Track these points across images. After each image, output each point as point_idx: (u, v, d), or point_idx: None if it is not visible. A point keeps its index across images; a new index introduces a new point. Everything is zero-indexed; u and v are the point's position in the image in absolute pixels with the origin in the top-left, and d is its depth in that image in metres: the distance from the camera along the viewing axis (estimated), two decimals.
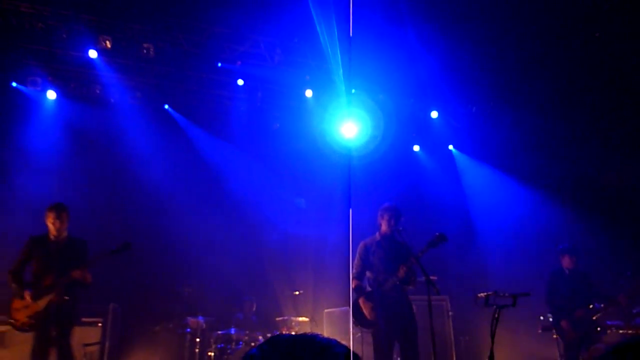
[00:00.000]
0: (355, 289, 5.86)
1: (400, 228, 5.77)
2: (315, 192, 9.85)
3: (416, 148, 11.16)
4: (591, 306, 6.65)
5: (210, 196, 9.58)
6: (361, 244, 5.99)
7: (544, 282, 6.94)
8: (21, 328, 5.42)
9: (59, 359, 5.42)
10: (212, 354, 7.55)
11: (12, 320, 5.42)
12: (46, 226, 5.63)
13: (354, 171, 9.47)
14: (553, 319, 6.73)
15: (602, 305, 6.60)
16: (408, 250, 5.65)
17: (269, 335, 7.61)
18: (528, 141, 9.81)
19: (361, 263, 5.91)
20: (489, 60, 8.93)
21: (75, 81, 9.06)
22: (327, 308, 8.57)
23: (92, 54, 8.27)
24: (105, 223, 8.55)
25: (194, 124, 9.90)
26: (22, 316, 5.37)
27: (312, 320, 8.29)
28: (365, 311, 5.63)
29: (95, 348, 7.23)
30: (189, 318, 7.95)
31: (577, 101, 9.13)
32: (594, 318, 6.58)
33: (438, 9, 7.97)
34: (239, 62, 9.16)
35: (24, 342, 5.68)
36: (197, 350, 7.70)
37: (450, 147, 11.20)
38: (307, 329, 8.15)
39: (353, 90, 9.95)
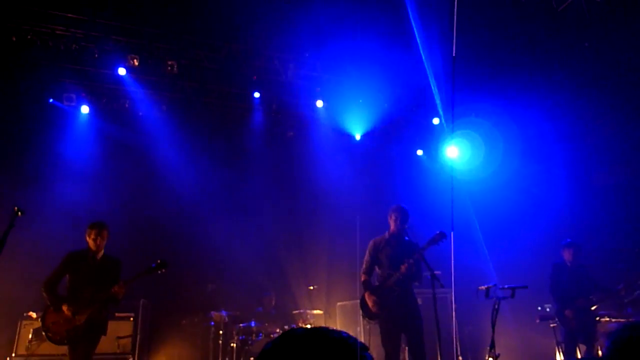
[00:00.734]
0: (363, 283, 5.87)
1: (407, 228, 5.77)
2: (326, 194, 9.86)
3: (419, 152, 11.14)
4: (591, 297, 6.63)
5: (231, 201, 9.63)
6: (371, 242, 6.00)
7: (547, 274, 6.94)
8: (59, 342, 5.12)
9: None
10: (234, 345, 7.57)
11: (50, 334, 5.12)
12: (86, 241, 5.41)
13: (360, 173, 9.50)
14: (557, 308, 6.72)
15: (603, 295, 6.58)
16: (414, 248, 5.65)
17: (286, 327, 7.69)
18: (525, 141, 9.74)
19: (370, 259, 5.91)
20: (486, 65, 8.88)
21: (107, 97, 9.18)
22: (340, 301, 8.58)
23: (122, 71, 8.39)
24: (135, 228, 8.62)
25: (214, 133, 9.97)
26: (61, 330, 5.09)
27: (325, 312, 8.30)
28: (369, 303, 5.64)
29: (127, 340, 7.27)
30: (213, 312, 7.96)
31: (576, 104, 9.07)
32: (593, 308, 6.56)
33: (434, 13, 7.96)
34: (255, 77, 9.23)
35: None
36: (220, 341, 7.74)
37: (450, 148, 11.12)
38: (322, 321, 8.17)
39: (360, 100, 9.99)
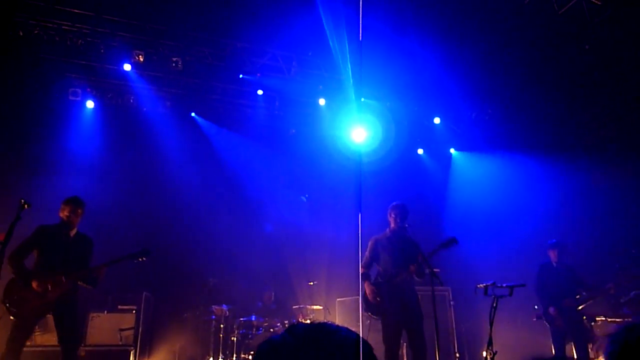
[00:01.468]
0: (362, 275, 5.90)
1: (407, 225, 5.78)
2: (327, 193, 9.88)
3: (420, 151, 11.15)
4: (578, 297, 6.64)
5: (233, 196, 9.65)
6: (372, 239, 6.02)
7: (534, 274, 6.94)
8: (20, 316, 4.83)
9: (66, 350, 5.04)
10: (235, 339, 7.59)
11: (14, 309, 4.83)
12: (59, 217, 5.22)
13: (363, 173, 9.48)
14: (542, 307, 6.74)
15: (590, 294, 6.58)
16: (415, 245, 5.66)
17: (286, 322, 7.71)
18: (523, 144, 9.76)
19: (370, 255, 5.94)
20: (491, 69, 8.90)
21: (112, 92, 9.19)
22: (339, 297, 8.59)
23: (127, 67, 8.40)
24: (137, 222, 8.65)
25: (217, 129, 9.98)
26: (28, 306, 4.83)
27: (325, 308, 8.32)
28: (367, 292, 5.65)
29: (130, 332, 7.30)
30: (214, 306, 7.98)
31: (574, 107, 9.08)
32: (580, 308, 6.56)
33: (441, 19, 7.97)
34: (259, 74, 9.25)
35: None
36: (221, 335, 7.75)
37: (452, 150, 11.18)
38: (321, 317, 8.19)
39: (362, 99, 9.99)
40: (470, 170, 10.60)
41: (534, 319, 6.88)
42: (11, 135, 8.30)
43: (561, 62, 8.40)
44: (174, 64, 8.54)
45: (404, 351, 6.89)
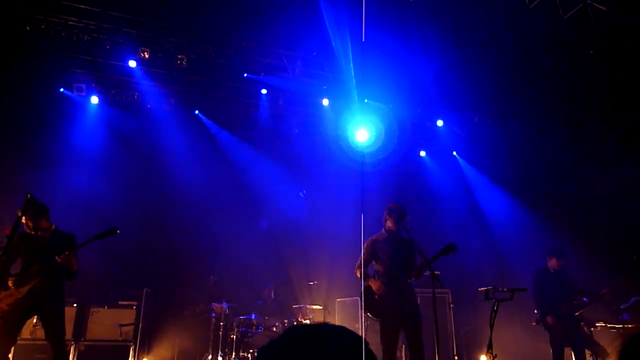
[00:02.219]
0: (361, 276, 5.86)
1: (408, 227, 5.77)
2: (330, 193, 9.89)
3: (422, 154, 11.16)
4: (575, 302, 6.63)
5: (235, 194, 9.65)
6: (370, 239, 5.98)
7: (531, 280, 6.91)
8: (3, 316, 4.86)
9: (53, 346, 5.07)
10: (234, 336, 7.59)
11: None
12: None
13: (365, 173, 9.49)
14: (539, 313, 6.73)
15: (586, 301, 6.57)
16: (413, 246, 5.67)
17: (285, 321, 7.72)
18: (525, 148, 9.77)
19: (367, 256, 5.91)
20: (495, 72, 8.91)
21: (116, 88, 9.21)
22: (339, 297, 8.61)
23: (132, 63, 8.41)
24: (139, 218, 8.66)
25: (221, 127, 10.00)
26: (3, 304, 4.86)
27: (325, 308, 8.32)
28: (375, 287, 5.63)
29: (130, 328, 7.32)
30: (214, 304, 7.97)
31: (577, 111, 9.10)
32: (577, 314, 6.56)
33: (445, 23, 7.98)
34: (263, 73, 9.25)
35: None
36: (220, 333, 7.75)
37: (454, 153, 11.19)
38: (321, 317, 8.19)
39: (366, 100, 10.00)
40: (473, 174, 10.62)
41: (533, 324, 6.87)
42: (16, 130, 8.33)
43: (566, 66, 8.40)
44: (179, 62, 8.56)
45: (403, 353, 6.90)
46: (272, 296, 8.82)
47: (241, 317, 7.72)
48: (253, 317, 7.67)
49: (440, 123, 10.48)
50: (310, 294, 8.83)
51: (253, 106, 9.98)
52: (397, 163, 10.00)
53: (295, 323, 7.79)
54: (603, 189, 8.71)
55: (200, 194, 9.21)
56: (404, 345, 6.64)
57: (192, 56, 8.64)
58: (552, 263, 6.83)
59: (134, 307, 7.51)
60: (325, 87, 9.72)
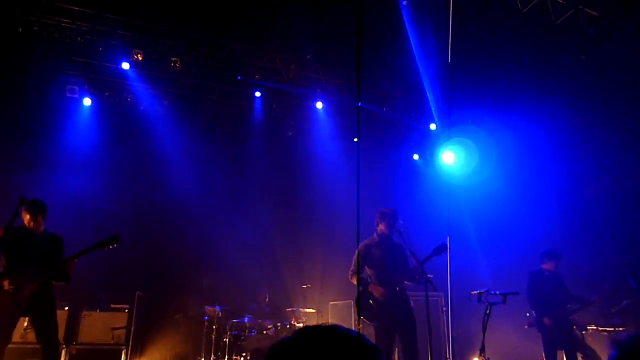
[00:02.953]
0: (358, 282, 5.85)
1: (401, 230, 5.79)
2: (323, 196, 9.89)
3: (415, 157, 11.18)
4: (568, 306, 6.65)
5: (229, 197, 9.64)
6: (361, 245, 5.93)
7: (525, 282, 6.92)
8: None
9: (46, 348, 5.07)
10: (227, 340, 7.56)
11: None
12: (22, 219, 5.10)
13: (360, 177, 9.48)
14: (536, 316, 6.74)
15: (577, 305, 6.60)
16: (404, 250, 5.69)
17: (279, 324, 7.71)
18: (517, 151, 9.82)
19: (361, 262, 5.89)
20: (485, 77, 8.96)
21: (109, 90, 9.17)
22: (332, 301, 8.60)
23: (125, 65, 8.38)
24: (132, 221, 8.61)
25: (214, 130, 9.98)
26: (1, 304, 4.82)
27: (318, 311, 8.32)
28: (376, 294, 5.62)
29: (122, 331, 7.27)
30: (206, 307, 7.94)
31: (570, 114, 9.16)
32: (571, 317, 6.59)
33: (437, 25, 8.02)
34: (257, 76, 9.26)
35: None
36: (213, 336, 7.72)
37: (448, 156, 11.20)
38: (314, 320, 8.19)
39: (359, 104, 10.03)
40: (466, 177, 10.64)
41: (526, 326, 6.90)
42: (8, 131, 8.27)
43: (557, 72, 8.47)
44: (172, 64, 8.53)
45: (396, 356, 6.90)
46: (266, 299, 8.80)
47: (234, 320, 7.70)
48: (246, 320, 7.65)
49: (433, 127, 10.51)
50: (304, 298, 8.83)
51: (247, 109, 9.97)
52: (390, 166, 10.03)
53: (288, 326, 7.78)
54: (597, 191, 8.77)
55: (194, 196, 9.18)
56: (396, 349, 6.63)
57: (185, 59, 8.62)
58: (547, 266, 6.83)
59: (126, 311, 7.46)
60: (319, 91, 9.74)
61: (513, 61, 8.54)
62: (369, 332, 5.77)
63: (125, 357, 7.20)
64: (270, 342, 7.49)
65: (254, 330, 7.63)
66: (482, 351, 4.63)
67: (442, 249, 5.42)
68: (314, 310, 8.28)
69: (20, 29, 7.74)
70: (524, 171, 9.39)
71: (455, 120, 9.91)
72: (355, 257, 5.89)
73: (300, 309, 8.24)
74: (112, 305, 7.52)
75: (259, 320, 7.82)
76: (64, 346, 6.84)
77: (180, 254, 8.81)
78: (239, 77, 9.20)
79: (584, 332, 6.67)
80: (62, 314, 6.84)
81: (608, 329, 6.62)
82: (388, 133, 10.63)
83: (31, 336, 6.44)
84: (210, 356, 7.65)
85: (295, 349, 1.18)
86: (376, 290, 5.64)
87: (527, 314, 7.05)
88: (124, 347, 7.19)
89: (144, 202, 9.03)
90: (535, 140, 9.40)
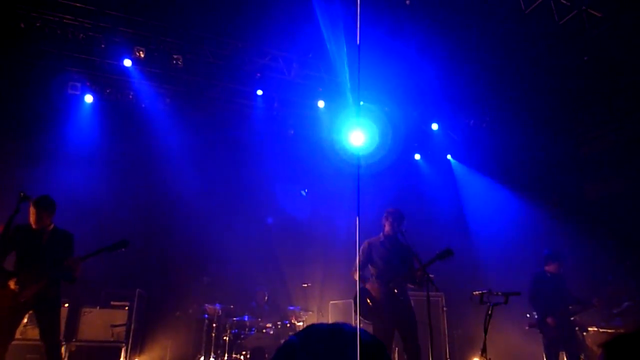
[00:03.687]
0: (359, 279, 5.88)
1: (403, 230, 5.79)
2: (325, 194, 9.89)
3: (417, 157, 11.18)
4: (570, 307, 6.64)
5: (229, 195, 9.63)
6: (365, 242, 6.01)
7: (528, 283, 6.90)
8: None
9: (49, 346, 5.04)
10: (227, 338, 7.56)
11: None
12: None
13: (361, 176, 9.47)
14: (538, 317, 6.72)
15: (577, 308, 6.59)
16: (409, 251, 5.68)
17: (279, 323, 7.70)
18: (520, 153, 9.81)
19: (363, 259, 5.92)
20: (490, 77, 8.96)
21: (111, 87, 9.15)
22: (333, 300, 8.60)
23: (127, 63, 8.37)
24: (133, 218, 8.61)
25: (216, 128, 9.97)
26: (4, 304, 4.78)
27: (318, 310, 8.32)
28: (374, 292, 5.63)
29: (122, 329, 7.26)
30: (206, 305, 7.94)
31: (572, 117, 9.15)
32: (572, 319, 6.58)
33: (440, 27, 8.01)
34: (259, 74, 9.25)
35: None
36: (213, 334, 7.72)
37: (449, 156, 11.22)
38: (314, 319, 8.19)
39: (361, 102, 10.01)
40: (468, 178, 10.65)
41: (527, 327, 6.89)
42: (10, 127, 8.27)
43: (560, 72, 8.45)
44: (174, 62, 8.53)
45: (397, 356, 6.90)
46: (266, 298, 8.80)
47: (234, 318, 7.69)
48: (246, 319, 7.65)
49: (435, 126, 10.51)
50: (304, 297, 8.82)
51: (248, 107, 9.96)
52: (392, 166, 10.02)
53: (288, 325, 7.78)
54: (598, 193, 8.76)
55: (195, 194, 9.17)
56: (397, 348, 6.63)
57: (188, 56, 8.61)
58: (550, 267, 6.81)
59: (126, 308, 7.45)
60: (321, 89, 9.72)
61: (516, 61, 8.52)
62: (368, 331, 5.75)
63: (125, 354, 7.19)
64: (270, 341, 7.49)
65: (254, 329, 7.63)
66: (483, 351, 4.61)
67: (446, 253, 5.40)
68: (314, 310, 8.27)
69: (22, 25, 7.73)
70: (525, 172, 9.39)
71: (454, 123, 9.95)
72: (359, 253, 5.92)
73: (301, 308, 8.23)
74: (112, 303, 7.52)
75: (259, 319, 7.82)
76: (64, 343, 6.83)
77: (180, 251, 8.80)
78: (241, 75, 9.18)
79: (585, 333, 6.66)
80: (62, 310, 6.80)
81: (609, 330, 6.60)
82: (390, 132, 10.60)
83: (31, 332, 6.48)
84: (210, 354, 7.65)
85: (307, 346, 1.17)
86: (373, 289, 5.65)
87: (529, 315, 7.04)
88: (123, 344, 7.18)
89: (145, 200, 9.02)
90: (536, 142, 9.40)
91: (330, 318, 8.35)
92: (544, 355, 6.62)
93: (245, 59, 8.99)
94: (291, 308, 8.32)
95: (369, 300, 5.67)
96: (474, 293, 5.04)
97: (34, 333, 6.55)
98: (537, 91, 8.93)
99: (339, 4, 7.40)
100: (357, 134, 9.29)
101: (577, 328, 6.59)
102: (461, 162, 10.97)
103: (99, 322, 7.20)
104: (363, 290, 5.74)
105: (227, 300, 8.14)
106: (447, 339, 7.50)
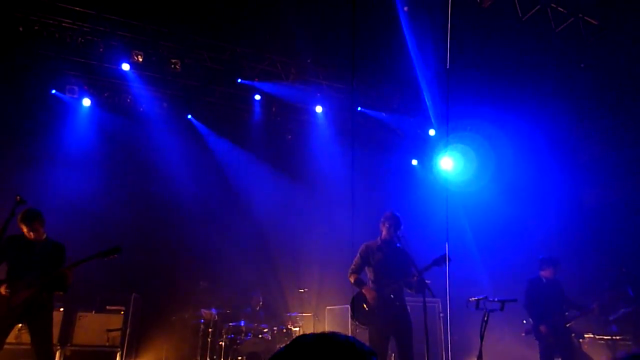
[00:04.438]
0: (355, 282, 5.82)
1: (400, 235, 5.77)
2: (320, 200, 9.88)
3: (414, 162, 11.19)
4: (567, 313, 6.62)
5: (225, 200, 9.62)
6: (363, 245, 5.97)
7: (523, 289, 6.89)
8: None
9: (41, 353, 4.95)
10: (223, 343, 7.52)
11: None
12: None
13: (356, 181, 9.50)
14: (533, 323, 6.71)
15: (576, 313, 6.57)
16: (406, 256, 5.66)
17: (275, 328, 7.68)
18: (517, 158, 9.83)
19: (360, 262, 5.89)
20: (486, 85, 8.98)
21: (109, 91, 9.17)
22: (329, 305, 8.58)
23: (125, 67, 8.38)
24: (130, 223, 8.60)
25: (213, 133, 9.97)
26: None
27: (314, 316, 8.29)
28: (369, 297, 5.59)
29: (117, 333, 7.22)
30: (202, 310, 7.92)
31: (570, 122, 9.18)
32: (568, 325, 6.56)
33: (437, 32, 8.04)
34: (257, 79, 9.26)
35: None
36: (209, 339, 7.69)
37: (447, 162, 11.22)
38: (310, 324, 8.16)
39: (359, 108, 10.05)
40: (464, 184, 10.65)
41: (523, 334, 6.87)
42: (7, 131, 8.26)
43: (557, 79, 8.49)
44: (172, 66, 8.54)
45: None
46: (260, 303, 8.76)
47: (230, 323, 7.65)
48: (242, 324, 7.61)
49: (432, 132, 10.53)
50: (301, 302, 8.79)
51: (246, 112, 9.98)
52: (388, 171, 10.04)
53: (284, 330, 7.75)
54: (596, 199, 8.78)
55: (191, 199, 9.17)
56: (393, 354, 6.60)
57: (186, 61, 8.63)
58: (545, 273, 6.80)
59: (122, 312, 7.43)
60: (318, 95, 9.75)
61: (513, 68, 8.56)
62: (364, 336, 5.74)
63: (120, 359, 7.16)
64: (266, 346, 7.46)
65: (250, 334, 7.59)
66: (479, 358, 4.61)
67: (442, 260, 5.38)
68: (310, 315, 8.25)
69: (20, 29, 7.73)
70: (523, 179, 9.40)
71: (455, 126, 9.94)
72: (357, 257, 5.90)
73: (297, 314, 8.20)
74: (108, 307, 7.49)
75: (255, 324, 7.79)
76: (59, 347, 6.80)
77: (177, 256, 8.78)
78: (239, 80, 9.20)
79: (581, 340, 6.64)
80: (57, 314, 6.79)
81: (605, 337, 6.60)
82: (387, 138, 10.63)
83: (25, 337, 6.39)
84: (206, 359, 7.61)
85: (295, 357, 1.16)
86: (369, 294, 5.62)
87: (525, 322, 7.03)
88: (119, 349, 7.15)
89: (141, 204, 9.01)
90: (535, 147, 9.42)
91: (327, 323, 8.33)
92: None
93: (243, 63, 9.02)
94: (288, 313, 8.30)
95: (364, 306, 5.64)
96: (471, 299, 5.03)
97: (28, 338, 6.54)
98: (534, 98, 8.97)
99: (340, 7, 7.42)
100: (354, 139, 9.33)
101: (573, 334, 6.57)
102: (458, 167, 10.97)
103: (94, 327, 7.16)
104: (359, 296, 5.72)
105: (223, 305, 8.12)
106: (443, 345, 7.48)
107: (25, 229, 4.93)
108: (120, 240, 5.60)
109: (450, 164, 9.65)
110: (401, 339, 5.50)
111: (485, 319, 4.74)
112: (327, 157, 9.79)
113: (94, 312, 7.35)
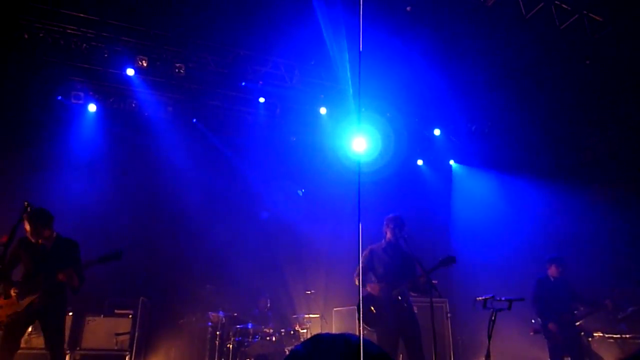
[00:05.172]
0: (362, 282, 5.83)
1: (405, 236, 5.77)
2: (326, 202, 9.89)
3: (420, 162, 11.19)
4: (575, 312, 6.60)
5: (232, 203, 9.65)
6: (368, 249, 5.98)
7: (531, 288, 6.88)
8: (3, 325, 4.81)
9: (54, 355, 4.98)
10: (231, 346, 7.54)
11: None
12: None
13: (363, 183, 9.46)
14: (541, 322, 6.69)
15: (588, 310, 6.55)
16: (411, 258, 5.65)
17: (282, 330, 7.69)
18: (523, 157, 9.81)
19: (365, 265, 5.90)
20: (492, 82, 8.97)
21: (114, 96, 9.22)
22: (336, 307, 8.57)
23: (130, 72, 8.42)
24: (136, 227, 8.64)
25: (218, 136, 10.01)
26: (2, 313, 4.79)
27: (322, 317, 8.29)
28: (376, 291, 5.61)
29: (125, 337, 7.27)
30: (210, 313, 7.95)
31: (574, 121, 9.14)
32: (577, 324, 6.54)
33: (442, 33, 8.04)
34: (261, 82, 9.29)
35: None
36: (217, 342, 7.71)
37: (451, 161, 11.22)
38: (318, 326, 8.17)
39: (363, 109, 10.03)
40: (470, 183, 10.64)
41: (531, 333, 6.85)
42: (14, 137, 8.32)
43: (562, 76, 8.46)
44: (177, 70, 8.58)
45: None
46: (268, 305, 8.78)
47: (238, 326, 7.67)
48: (250, 327, 7.63)
49: (437, 132, 10.52)
50: (308, 304, 8.80)
51: (251, 115, 10.00)
52: (394, 172, 10.02)
53: (292, 332, 7.76)
54: (601, 196, 8.73)
55: (198, 202, 9.19)
56: (401, 355, 6.60)
57: (190, 65, 8.66)
58: (553, 271, 6.79)
59: (130, 316, 7.47)
60: (322, 96, 9.75)
61: (517, 66, 8.54)
62: (372, 338, 5.74)
63: None
64: (273, 348, 7.47)
65: (257, 336, 7.61)
66: (487, 357, 4.60)
67: (449, 260, 5.39)
68: (317, 316, 8.25)
69: (26, 36, 7.80)
70: (528, 175, 9.37)
71: (457, 128, 9.97)
72: (362, 260, 5.90)
73: (305, 315, 8.21)
74: (116, 311, 7.52)
75: (263, 326, 7.80)
76: (68, 352, 6.84)
77: (184, 260, 8.81)
78: (243, 83, 9.23)
79: (590, 338, 6.61)
80: (66, 319, 6.81)
81: (614, 335, 6.56)
82: (392, 138, 10.62)
83: (36, 341, 6.50)
84: None
85: (313, 356, 1.17)
86: (374, 289, 5.62)
87: (533, 321, 7.01)
88: (127, 352, 7.19)
89: (148, 208, 9.04)
90: (540, 144, 9.39)
91: (334, 325, 8.32)
92: None
93: (247, 66, 9.03)
94: (295, 315, 8.30)
95: (372, 308, 5.64)
96: (478, 299, 5.02)
97: (38, 342, 6.57)
98: (539, 95, 8.94)
99: (341, 11, 7.43)
100: (359, 140, 9.31)
101: (582, 333, 6.54)
102: (463, 166, 10.97)
103: (102, 331, 7.21)
104: (367, 297, 5.71)
105: (230, 308, 8.14)
106: (451, 345, 7.46)
107: (28, 231, 4.95)
108: (127, 244, 5.65)
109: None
110: (409, 341, 5.49)
111: (493, 318, 4.72)
112: (332, 158, 9.79)
113: (102, 316, 7.40)
